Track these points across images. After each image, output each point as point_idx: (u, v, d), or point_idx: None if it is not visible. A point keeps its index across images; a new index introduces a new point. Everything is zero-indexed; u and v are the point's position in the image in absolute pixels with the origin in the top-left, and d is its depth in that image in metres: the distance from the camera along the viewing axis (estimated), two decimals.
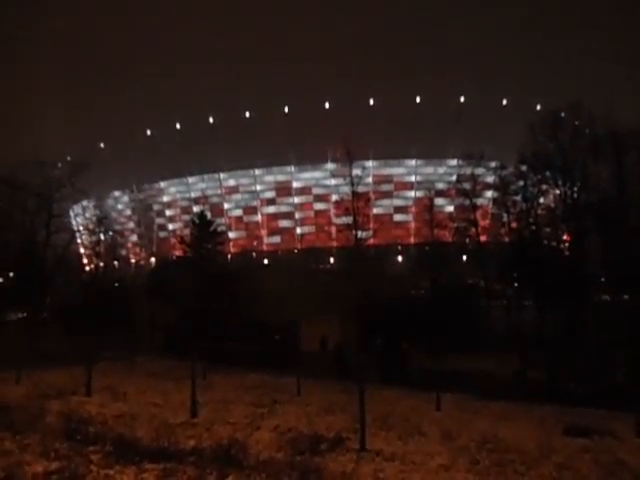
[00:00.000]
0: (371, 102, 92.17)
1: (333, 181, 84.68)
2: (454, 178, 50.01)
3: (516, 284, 38.16)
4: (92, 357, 24.68)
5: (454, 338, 25.58)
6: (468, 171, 41.07)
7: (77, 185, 40.33)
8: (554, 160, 34.62)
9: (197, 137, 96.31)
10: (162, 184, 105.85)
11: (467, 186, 40.41)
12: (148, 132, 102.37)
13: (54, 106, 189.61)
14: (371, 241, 20.02)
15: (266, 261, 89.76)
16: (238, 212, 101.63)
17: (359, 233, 17.50)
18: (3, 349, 30.59)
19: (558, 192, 36.08)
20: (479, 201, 41.82)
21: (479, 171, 41.26)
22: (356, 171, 17.78)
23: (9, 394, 23.08)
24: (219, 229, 33.48)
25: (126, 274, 64.09)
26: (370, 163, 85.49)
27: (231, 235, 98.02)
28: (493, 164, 42.71)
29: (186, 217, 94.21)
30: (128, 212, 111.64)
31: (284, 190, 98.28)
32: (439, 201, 58.11)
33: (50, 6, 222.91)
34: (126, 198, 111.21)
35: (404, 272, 64.92)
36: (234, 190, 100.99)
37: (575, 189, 34.97)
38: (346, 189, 17.77)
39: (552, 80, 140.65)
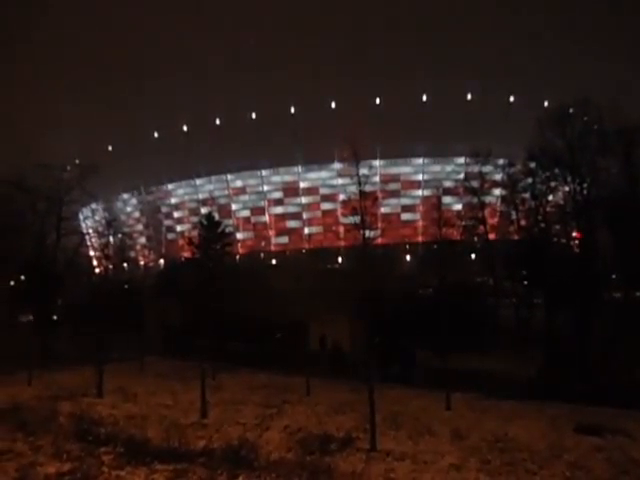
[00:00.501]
0: (377, 101, 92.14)
1: (340, 181, 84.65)
2: (462, 176, 49.91)
3: (525, 282, 37.92)
4: (102, 358, 24.87)
5: (462, 337, 25.43)
6: (476, 169, 40.95)
7: (86, 188, 40.89)
8: (563, 157, 34.30)
9: (204, 138, 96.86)
10: (170, 186, 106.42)
11: (475, 184, 40.29)
12: (155, 134, 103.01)
13: (62, 109, 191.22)
14: (379, 240, 20.00)
15: (274, 261, 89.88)
16: (246, 213, 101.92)
17: (367, 232, 17.48)
18: (15, 350, 30.88)
19: (567, 189, 35.75)
20: (487, 199, 41.69)
21: (487, 169, 41.14)
22: (363, 170, 17.75)
23: (21, 395, 23.34)
24: (227, 230, 33.43)
25: (135, 276, 64.39)
26: (377, 162, 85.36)
27: (239, 236, 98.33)
28: (501, 161, 42.56)
29: (194, 219, 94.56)
30: (137, 214, 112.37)
31: (291, 190, 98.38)
32: (447, 199, 57.93)
33: (54, 8, 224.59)
34: (134, 200, 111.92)
35: (412, 271, 64.76)
36: (241, 191, 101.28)
37: (584, 185, 34.64)
38: (353, 188, 17.76)
39: (558, 77, 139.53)
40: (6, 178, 38.72)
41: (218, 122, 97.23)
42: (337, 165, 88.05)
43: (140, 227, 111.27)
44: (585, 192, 34.74)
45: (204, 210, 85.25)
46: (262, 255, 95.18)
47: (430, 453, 15.51)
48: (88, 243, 61.59)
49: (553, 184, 36.82)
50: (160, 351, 38.32)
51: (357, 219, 17.47)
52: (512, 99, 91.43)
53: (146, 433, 17.08)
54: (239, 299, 32.54)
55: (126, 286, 46.84)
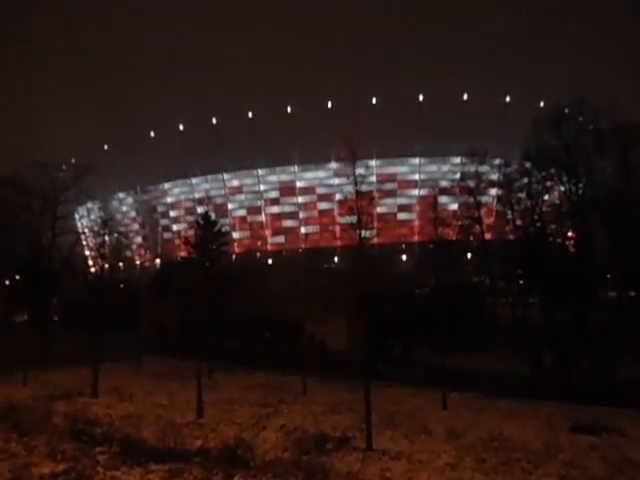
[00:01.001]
0: (374, 101, 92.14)
1: (337, 180, 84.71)
2: (458, 176, 49.90)
3: (521, 281, 38.01)
4: (98, 358, 24.77)
5: (458, 336, 25.46)
6: (472, 169, 41.03)
7: (82, 187, 40.66)
8: (559, 156, 34.42)
9: (200, 138, 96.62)
10: (166, 185, 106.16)
11: (471, 184, 40.37)
12: (151, 133, 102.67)
13: (58, 108, 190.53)
14: (375, 240, 20.04)
15: (270, 261, 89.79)
16: (242, 212, 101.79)
17: (363, 232, 17.47)
18: (10, 350, 30.73)
19: (563, 189, 35.90)
20: (483, 199, 41.80)
21: (483, 169, 41.24)
22: (359, 170, 17.73)
23: (16, 395, 23.22)
24: (223, 229, 33.44)
25: (131, 275, 64.25)
26: (374, 162, 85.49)
27: (235, 235, 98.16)
28: (497, 161, 42.71)
29: (190, 218, 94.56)
30: (132, 213, 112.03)
31: (288, 190, 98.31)
32: (443, 199, 58.04)
33: (52, 7, 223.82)
34: (130, 200, 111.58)
35: (408, 271, 64.87)
36: (238, 190, 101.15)
37: (580, 185, 34.79)
38: (350, 188, 17.73)
39: (555, 77, 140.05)
40: (1, 177, 38.56)
41: (214, 121, 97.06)
42: (334, 165, 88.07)
43: (136, 226, 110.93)
44: (581, 192, 34.89)
45: (200, 209, 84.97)
46: (258, 255, 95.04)
47: (426, 452, 15.51)
48: (84, 242, 61.45)
49: (549, 184, 36.96)
50: (156, 351, 38.21)
51: (353, 219, 17.47)
52: (508, 99, 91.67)
53: (142, 433, 17.03)
54: (235, 299, 32.49)
55: (122, 286, 46.77)
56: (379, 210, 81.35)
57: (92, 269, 57.20)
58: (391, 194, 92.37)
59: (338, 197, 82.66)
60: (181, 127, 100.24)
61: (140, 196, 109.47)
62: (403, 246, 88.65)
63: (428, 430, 18.27)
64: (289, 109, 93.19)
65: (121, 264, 48.95)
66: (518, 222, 38.27)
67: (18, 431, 16.71)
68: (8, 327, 34.41)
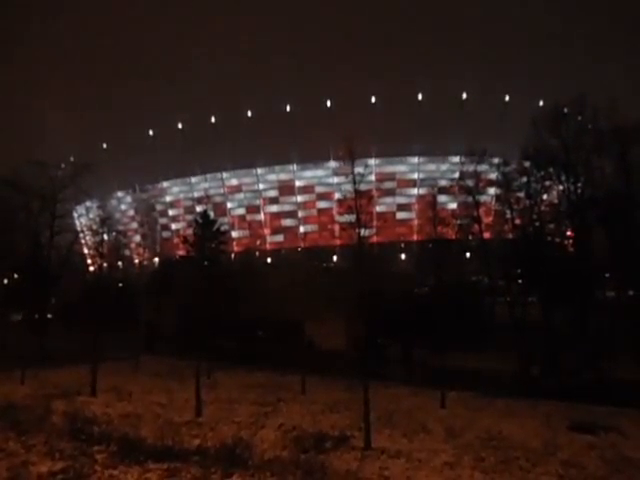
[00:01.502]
0: (373, 100, 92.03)
1: (336, 179, 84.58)
2: (457, 175, 49.67)
3: (520, 281, 37.97)
4: (97, 357, 24.74)
5: (457, 336, 25.47)
6: (471, 168, 40.79)
7: (80, 186, 40.57)
8: (557, 156, 34.37)
9: (199, 137, 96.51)
10: (165, 184, 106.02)
11: (470, 183, 40.14)
12: (150, 132, 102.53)
13: (56, 107, 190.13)
14: (374, 239, 20.03)
15: (269, 260, 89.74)
16: (241, 211, 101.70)
17: (362, 231, 17.48)
18: (8, 349, 30.71)
19: (562, 188, 35.83)
20: (482, 198, 41.53)
21: (482, 168, 40.97)
22: (358, 169, 17.75)
23: (14, 394, 23.21)
24: (222, 228, 33.34)
25: (130, 274, 64.10)
26: (372, 161, 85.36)
27: (234, 234, 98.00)
28: (496, 161, 42.45)
29: (189, 217, 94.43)
30: (131, 212, 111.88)
31: (287, 189, 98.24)
32: (442, 198, 57.64)
33: (51, 7, 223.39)
34: (129, 198, 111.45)
35: (408, 270, 64.76)
36: (237, 189, 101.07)
37: (579, 185, 34.74)
38: (349, 187, 17.74)
39: (554, 77, 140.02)
40: (0, 176, 38.46)
41: (213, 120, 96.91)
42: (333, 163, 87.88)
43: (135, 225, 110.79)
44: (579, 191, 34.84)
45: (199, 208, 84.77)
46: (257, 253, 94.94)
47: (425, 451, 15.53)
48: (82, 241, 61.31)
49: (548, 183, 36.86)
50: (155, 350, 38.18)
51: (352, 218, 17.48)
52: (508, 98, 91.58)
53: (140, 432, 17.02)
54: (234, 298, 32.45)
55: (121, 284, 46.68)
56: (378, 209, 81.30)
57: (91, 268, 57.16)
58: (390, 193, 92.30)
59: (337, 196, 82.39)
60: (180, 126, 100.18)
61: (139, 195, 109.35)
62: (402, 245, 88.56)
63: (427, 429, 18.29)
64: (288, 108, 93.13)
65: (120, 263, 48.77)
66: (517, 221, 38.14)
67: (16, 430, 16.71)
68: (6, 326, 34.38)
